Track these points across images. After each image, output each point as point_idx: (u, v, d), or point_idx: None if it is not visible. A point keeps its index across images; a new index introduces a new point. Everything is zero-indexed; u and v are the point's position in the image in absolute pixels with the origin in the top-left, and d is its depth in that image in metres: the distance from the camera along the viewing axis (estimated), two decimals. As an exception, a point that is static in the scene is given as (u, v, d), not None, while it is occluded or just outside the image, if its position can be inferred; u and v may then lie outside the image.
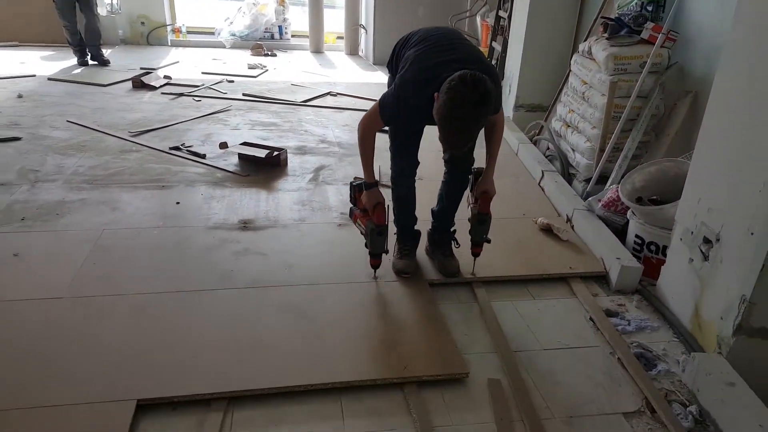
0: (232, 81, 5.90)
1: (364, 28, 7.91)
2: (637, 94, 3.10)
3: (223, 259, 2.54)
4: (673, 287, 2.29)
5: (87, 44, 6.14)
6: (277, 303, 2.22)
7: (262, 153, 3.63)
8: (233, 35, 7.92)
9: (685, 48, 3.08)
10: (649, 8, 3.29)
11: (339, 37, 8.54)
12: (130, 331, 2.01)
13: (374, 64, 7.45)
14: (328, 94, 5.76)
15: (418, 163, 2.36)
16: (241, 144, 3.84)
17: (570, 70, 3.81)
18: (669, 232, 2.50)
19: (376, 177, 2.29)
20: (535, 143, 4.14)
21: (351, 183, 2.37)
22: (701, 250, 2.09)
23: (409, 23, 7.21)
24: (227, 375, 1.81)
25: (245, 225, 2.87)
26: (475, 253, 2.44)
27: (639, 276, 2.49)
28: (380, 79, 6.61)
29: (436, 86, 1.89)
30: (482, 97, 1.81)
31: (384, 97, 2.12)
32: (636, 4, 3.36)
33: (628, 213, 2.78)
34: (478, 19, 6.50)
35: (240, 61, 6.92)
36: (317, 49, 8.15)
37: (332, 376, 1.83)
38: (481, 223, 2.34)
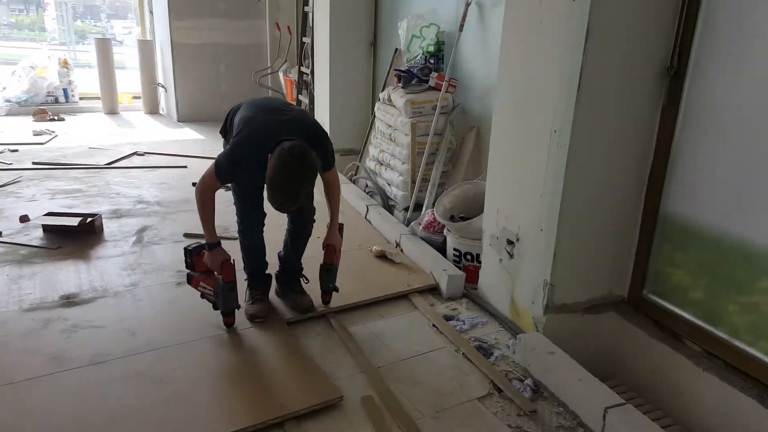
0: (16, 150, 5.26)
1: (163, 86, 7.69)
2: (434, 132, 3.62)
3: (50, 341, 2.28)
4: (490, 286, 2.71)
5: None
6: (126, 374, 2.08)
7: (73, 221, 3.32)
8: (8, 101, 7.07)
9: (464, 92, 3.71)
10: (432, 61, 3.89)
11: (135, 97, 8.16)
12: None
13: (179, 121, 7.27)
14: (134, 154, 5.47)
15: (265, 214, 2.43)
16: (45, 215, 3.46)
17: (374, 116, 4.27)
18: (479, 242, 2.96)
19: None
20: (354, 182, 4.48)
21: (186, 248, 2.37)
22: (507, 251, 2.54)
23: (210, 80, 7.37)
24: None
25: (69, 300, 2.61)
26: (325, 302, 2.59)
27: (463, 282, 2.88)
28: (188, 135, 6.49)
29: (270, 147, 2.05)
30: (308, 168, 2.03)
31: (219, 158, 2.18)
32: (421, 57, 3.94)
33: (445, 231, 3.21)
34: (281, 75, 6.81)
35: (21, 128, 6.21)
36: (112, 110, 7.67)
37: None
38: (327, 272, 2.51)
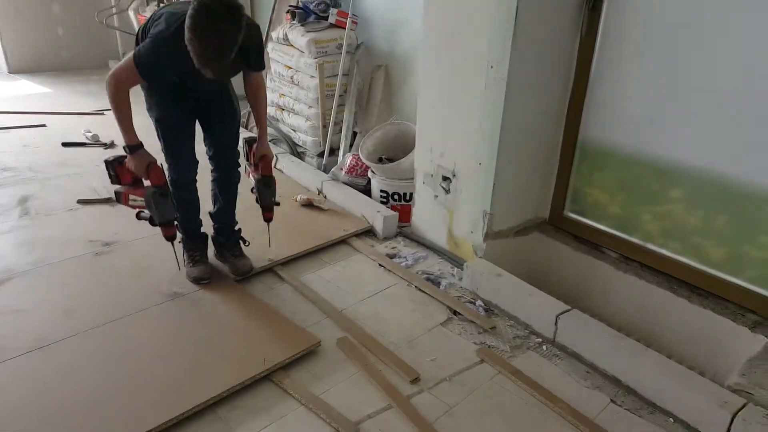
0: None
1: (-20, 33, 6.45)
2: (342, 72, 3.56)
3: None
4: (425, 222, 2.85)
5: None
6: (78, 355, 1.89)
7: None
8: None
9: (367, 29, 3.67)
10: (329, -4, 3.77)
11: None
12: None
13: (11, 72, 6.22)
14: (-29, 113, 4.62)
15: (197, 161, 2.27)
16: None
17: (269, 58, 4.05)
18: (407, 182, 3.06)
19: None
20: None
21: (106, 161, 2.11)
22: (442, 187, 2.67)
23: (44, 23, 6.34)
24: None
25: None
26: (268, 219, 2.41)
27: (396, 222, 2.98)
28: (29, 88, 5.61)
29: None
30: (233, 8, 1.75)
31: (139, 50, 1.92)
32: (316, -7, 3.78)
33: (369, 173, 3.25)
34: (131, 13, 6.08)
35: None
36: None
37: (197, 397, 1.72)
38: (267, 186, 2.32)
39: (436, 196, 2.72)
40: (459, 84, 2.44)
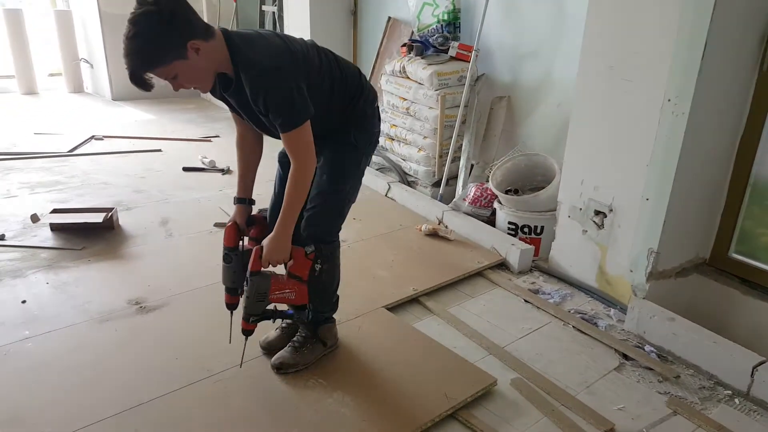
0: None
1: (87, 62, 6.88)
2: (464, 103, 3.55)
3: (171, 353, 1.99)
4: (569, 257, 2.74)
5: None
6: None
7: (91, 217, 2.90)
8: None
9: (489, 60, 3.66)
10: (449, 30, 3.79)
11: (51, 75, 7.32)
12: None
13: (115, 100, 6.58)
14: (92, 138, 4.87)
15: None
16: (52, 212, 2.99)
17: (382, 90, 4.09)
18: (540, 214, 2.98)
19: None
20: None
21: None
22: (594, 222, 2.56)
23: None
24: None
25: (140, 305, 2.29)
26: (242, 328, 1.80)
27: (532, 256, 2.88)
28: (135, 115, 5.89)
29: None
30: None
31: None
32: (435, 27, 3.82)
33: (495, 204, 3.18)
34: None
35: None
36: (30, 90, 6.80)
37: (390, 434, 1.65)
38: (246, 282, 1.74)
39: (585, 231, 2.62)
40: (624, 117, 2.36)
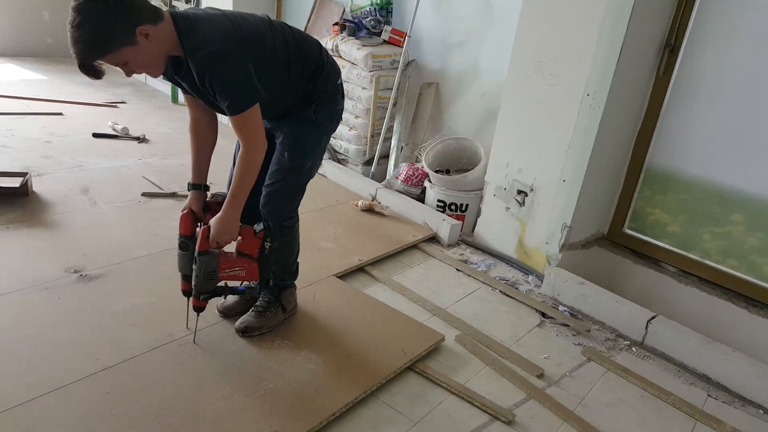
0: None
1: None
2: (396, 86, 3.72)
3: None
4: (493, 232, 3.04)
5: None
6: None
7: (2, 182, 2.67)
8: None
9: (418, 47, 3.85)
10: (382, 14, 3.92)
11: None
12: None
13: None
14: (-27, 96, 4.36)
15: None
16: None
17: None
18: (466, 193, 3.25)
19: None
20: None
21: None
22: (517, 200, 2.88)
23: (30, 6, 6.06)
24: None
25: (79, 273, 2.20)
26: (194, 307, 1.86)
27: (459, 231, 3.16)
28: (21, 74, 5.32)
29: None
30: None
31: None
32: (368, 10, 3.93)
33: (425, 183, 3.41)
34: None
35: None
36: None
37: (362, 386, 1.80)
38: (195, 262, 1.76)
39: (508, 208, 2.93)
40: (547, 108, 2.67)
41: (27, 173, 2.83)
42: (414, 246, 2.98)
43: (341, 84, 1.95)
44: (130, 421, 1.54)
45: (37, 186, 2.90)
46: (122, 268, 2.30)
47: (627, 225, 2.89)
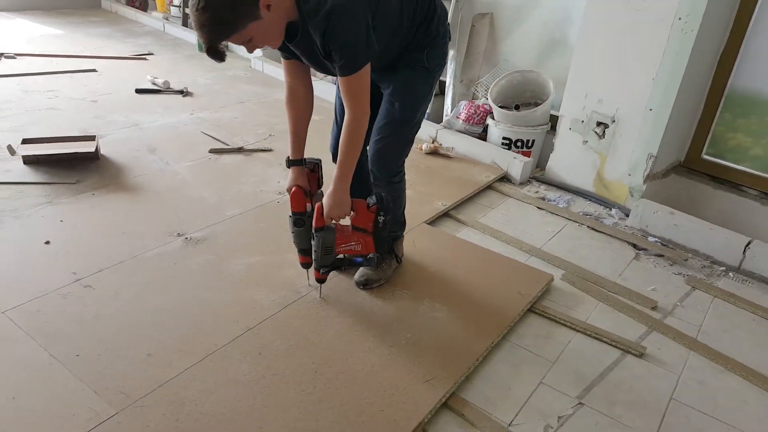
0: None
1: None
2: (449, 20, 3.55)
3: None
4: (567, 166, 3.00)
5: None
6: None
7: (76, 147, 2.61)
8: None
9: (467, -23, 3.66)
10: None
11: None
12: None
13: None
14: (0, 56, 4.20)
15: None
16: (23, 143, 2.64)
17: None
18: (533, 129, 3.19)
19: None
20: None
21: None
22: (596, 132, 2.83)
23: None
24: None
25: (184, 236, 2.18)
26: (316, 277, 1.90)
27: (531, 168, 3.12)
28: (38, 29, 5.11)
29: None
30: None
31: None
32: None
33: (489, 120, 3.34)
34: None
35: None
36: None
37: (488, 337, 1.84)
38: (313, 238, 1.78)
39: (586, 141, 2.88)
40: (632, 34, 2.56)
41: (95, 136, 2.76)
42: (489, 187, 2.96)
43: (449, 26, 1.87)
44: (293, 379, 1.58)
45: (103, 149, 2.84)
46: (222, 228, 2.28)
47: (705, 151, 2.86)
